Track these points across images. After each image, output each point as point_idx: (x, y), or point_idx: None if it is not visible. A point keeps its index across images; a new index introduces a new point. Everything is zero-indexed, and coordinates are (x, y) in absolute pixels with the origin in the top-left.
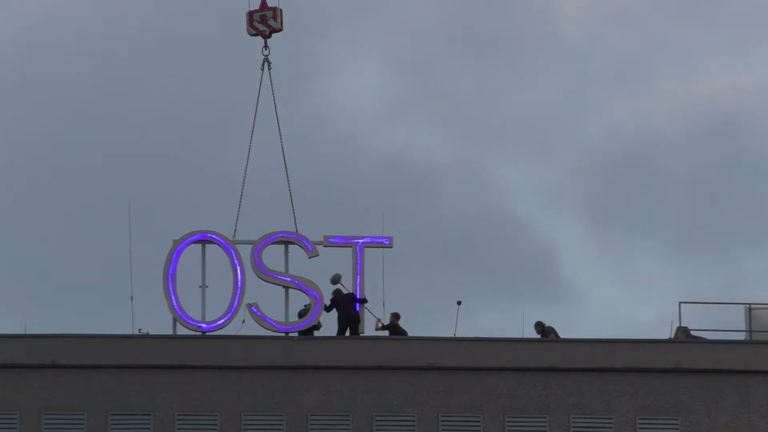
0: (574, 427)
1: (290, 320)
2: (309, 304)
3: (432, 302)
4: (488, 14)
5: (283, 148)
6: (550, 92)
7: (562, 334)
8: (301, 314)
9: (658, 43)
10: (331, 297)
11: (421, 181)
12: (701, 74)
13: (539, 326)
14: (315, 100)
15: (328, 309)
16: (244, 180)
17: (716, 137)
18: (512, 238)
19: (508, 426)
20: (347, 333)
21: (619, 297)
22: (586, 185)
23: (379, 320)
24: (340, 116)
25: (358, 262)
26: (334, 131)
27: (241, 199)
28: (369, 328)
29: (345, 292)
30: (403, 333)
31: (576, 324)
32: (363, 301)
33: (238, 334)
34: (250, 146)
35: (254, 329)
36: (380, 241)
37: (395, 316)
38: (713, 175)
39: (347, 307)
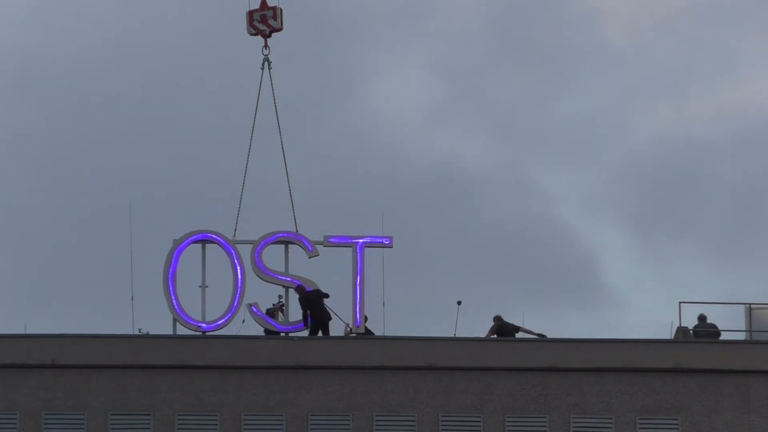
0: (574, 427)
1: (290, 320)
2: (277, 303)
3: (435, 302)
4: (532, 20)
5: (283, 147)
6: (594, 99)
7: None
8: (270, 312)
9: (701, 50)
10: (298, 299)
11: (465, 187)
12: (744, 81)
13: (497, 319)
14: (358, 107)
15: (303, 312)
16: (244, 180)
17: (759, 143)
18: (555, 244)
19: (508, 426)
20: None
21: (661, 302)
22: (629, 191)
23: (347, 325)
24: (382, 123)
25: (358, 262)
26: (377, 138)
27: (241, 199)
28: (337, 329)
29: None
30: (371, 335)
31: (618, 329)
32: (325, 296)
33: (238, 334)
34: (250, 146)
35: (254, 329)
36: (380, 241)
37: (363, 319)
38: (756, 180)
39: (320, 307)
